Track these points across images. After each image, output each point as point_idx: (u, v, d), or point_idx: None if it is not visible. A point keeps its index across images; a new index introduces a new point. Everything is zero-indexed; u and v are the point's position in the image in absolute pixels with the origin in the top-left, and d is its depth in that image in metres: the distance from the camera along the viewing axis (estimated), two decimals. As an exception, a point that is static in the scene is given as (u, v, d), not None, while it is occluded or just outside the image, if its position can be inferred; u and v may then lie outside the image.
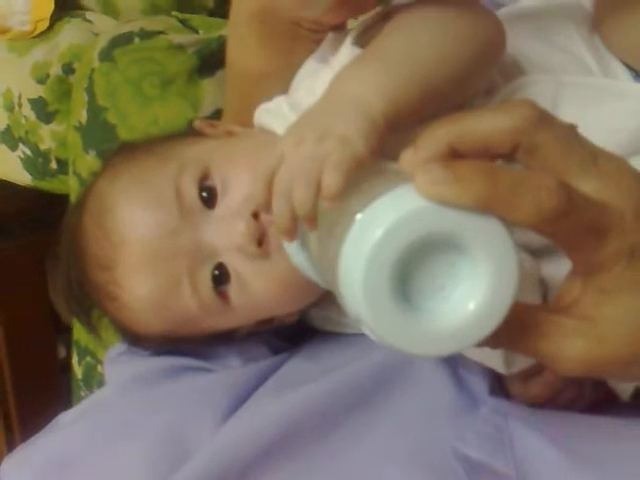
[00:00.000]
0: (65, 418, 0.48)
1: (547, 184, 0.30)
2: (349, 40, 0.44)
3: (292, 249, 0.40)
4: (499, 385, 0.45)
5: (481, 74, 0.43)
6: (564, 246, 0.32)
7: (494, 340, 0.31)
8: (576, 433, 0.40)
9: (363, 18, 0.47)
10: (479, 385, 0.45)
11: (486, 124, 0.31)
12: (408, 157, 0.31)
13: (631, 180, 0.32)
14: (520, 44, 0.45)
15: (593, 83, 0.46)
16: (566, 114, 0.43)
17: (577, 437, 0.40)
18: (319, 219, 0.35)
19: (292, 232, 0.36)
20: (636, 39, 0.46)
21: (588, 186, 0.31)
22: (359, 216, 0.30)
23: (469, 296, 0.30)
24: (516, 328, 0.33)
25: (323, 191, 0.34)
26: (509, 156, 0.31)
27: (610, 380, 0.39)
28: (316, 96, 0.40)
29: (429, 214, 0.29)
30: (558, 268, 0.40)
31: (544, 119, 0.31)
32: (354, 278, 0.30)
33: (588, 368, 0.33)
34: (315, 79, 0.46)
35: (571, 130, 0.32)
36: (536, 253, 0.44)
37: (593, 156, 0.32)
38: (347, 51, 0.44)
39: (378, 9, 0.46)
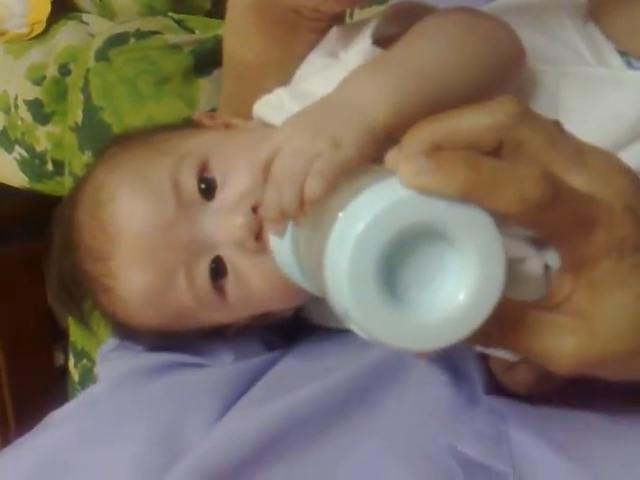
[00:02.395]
0: (57, 416, 0.47)
1: (531, 173, 0.30)
2: (368, 37, 0.43)
3: (280, 254, 0.40)
4: (495, 384, 0.44)
5: (497, 91, 0.42)
6: (551, 239, 0.32)
7: (486, 339, 0.31)
8: (573, 433, 0.40)
9: (367, 11, 0.47)
10: (475, 384, 0.44)
11: (469, 122, 0.31)
12: (393, 155, 0.31)
13: (619, 174, 0.32)
14: (519, 35, 0.45)
15: (591, 73, 0.45)
16: (567, 104, 0.44)
17: (574, 437, 0.39)
18: (308, 219, 0.35)
19: (280, 224, 0.36)
20: (632, 24, 0.46)
21: (576, 180, 0.31)
22: (342, 213, 0.30)
23: (457, 288, 0.30)
24: (508, 327, 0.32)
25: (305, 194, 0.34)
26: (494, 153, 0.31)
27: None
28: (327, 91, 0.40)
29: (412, 204, 0.29)
30: (525, 268, 0.41)
31: (527, 115, 0.31)
32: (339, 273, 0.29)
33: (582, 365, 0.33)
34: (325, 73, 0.45)
35: (555, 126, 0.32)
36: (539, 242, 0.43)
37: (580, 151, 0.32)
38: (365, 47, 0.43)
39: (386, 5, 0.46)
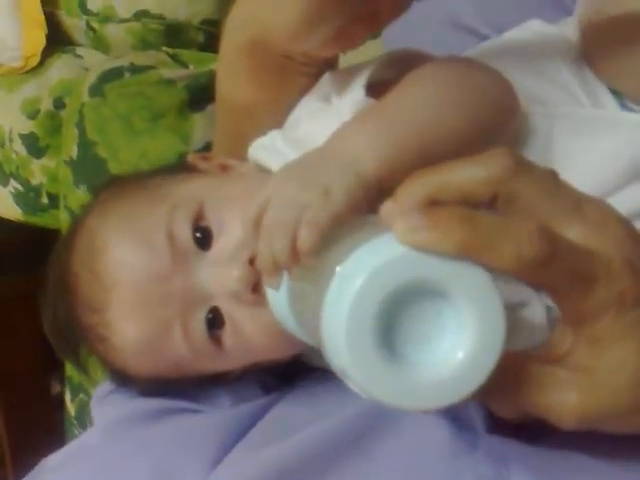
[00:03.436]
0: (50, 463, 0.47)
1: (528, 229, 0.29)
2: (361, 87, 0.43)
3: (277, 306, 0.39)
4: (496, 422, 0.44)
5: (490, 141, 0.42)
6: (550, 294, 0.32)
7: (486, 394, 0.30)
8: (576, 475, 0.39)
9: (362, 47, 0.47)
10: (474, 425, 0.43)
11: (463, 175, 0.31)
12: (387, 208, 0.31)
13: (616, 225, 0.32)
14: (510, 77, 0.45)
15: (584, 114, 0.45)
16: (560, 146, 0.44)
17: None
18: (303, 271, 0.34)
19: (274, 277, 0.36)
20: (626, 65, 0.46)
21: (573, 233, 0.31)
22: (339, 268, 0.30)
23: (456, 347, 0.30)
24: (510, 380, 0.32)
25: (298, 246, 0.34)
26: (490, 205, 0.31)
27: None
28: (320, 137, 0.40)
29: (409, 261, 0.29)
30: (527, 313, 0.40)
31: (522, 167, 0.31)
32: (337, 330, 0.29)
33: (584, 420, 0.32)
34: (319, 119, 0.45)
35: (552, 176, 0.32)
36: None
37: (576, 202, 0.32)
38: (358, 98, 0.43)
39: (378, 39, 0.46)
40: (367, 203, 0.36)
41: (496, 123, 0.42)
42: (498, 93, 0.43)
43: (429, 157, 0.38)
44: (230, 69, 0.49)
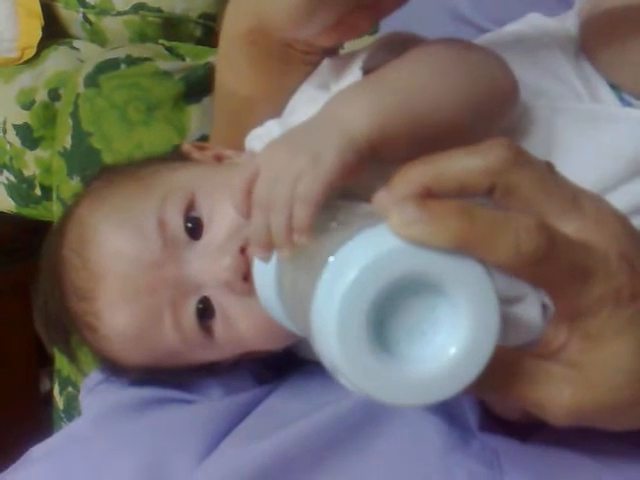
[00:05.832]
0: (37, 452, 0.46)
1: (526, 224, 0.29)
2: (358, 70, 0.43)
3: (265, 293, 0.39)
4: (489, 420, 0.43)
5: (490, 122, 0.42)
6: (547, 290, 0.31)
7: (479, 387, 0.30)
8: (567, 473, 0.39)
9: (358, 41, 0.47)
10: (469, 418, 0.43)
11: (460, 165, 0.30)
12: (381, 198, 0.30)
13: (613, 221, 0.32)
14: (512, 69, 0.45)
15: (586, 109, 0.45)
16: (562, 140, 0.44)
17: (569, 477, 0.38)
18: (294, 255, 0.34)
19: (267, 252, 0.35)
20: (625, 59, 0.45)
21: (569, 227, 0.31)
22: (332, 258, 0.29)
23: (450, 341, 0.29)
24: (502, 375, 0.32)
25: (294, 224, 0.33)
26: (487, 197, 0.31)
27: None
28: None
29: (404, 255, 0.28)
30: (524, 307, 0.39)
31: (519, 159, 0.31)
32: (327, 324, 0.28)
33: (576, 416, 0.32)
34: (316, 106, 0.44)
35: (549, 169, 0.32)
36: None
37: (573, 196, 0.32)
38: (354, 78, 0.43)
39: (376, 35, 0.46)
40: (359, 167, 0.35)
41: (494, 101, 0.42)
42: (495, 70, 0.42)
43: (424, 125, 0.37)
44: (230, 58, 0.49)
